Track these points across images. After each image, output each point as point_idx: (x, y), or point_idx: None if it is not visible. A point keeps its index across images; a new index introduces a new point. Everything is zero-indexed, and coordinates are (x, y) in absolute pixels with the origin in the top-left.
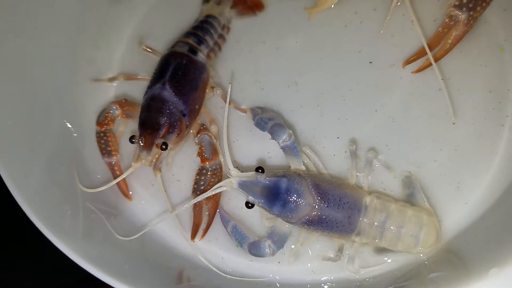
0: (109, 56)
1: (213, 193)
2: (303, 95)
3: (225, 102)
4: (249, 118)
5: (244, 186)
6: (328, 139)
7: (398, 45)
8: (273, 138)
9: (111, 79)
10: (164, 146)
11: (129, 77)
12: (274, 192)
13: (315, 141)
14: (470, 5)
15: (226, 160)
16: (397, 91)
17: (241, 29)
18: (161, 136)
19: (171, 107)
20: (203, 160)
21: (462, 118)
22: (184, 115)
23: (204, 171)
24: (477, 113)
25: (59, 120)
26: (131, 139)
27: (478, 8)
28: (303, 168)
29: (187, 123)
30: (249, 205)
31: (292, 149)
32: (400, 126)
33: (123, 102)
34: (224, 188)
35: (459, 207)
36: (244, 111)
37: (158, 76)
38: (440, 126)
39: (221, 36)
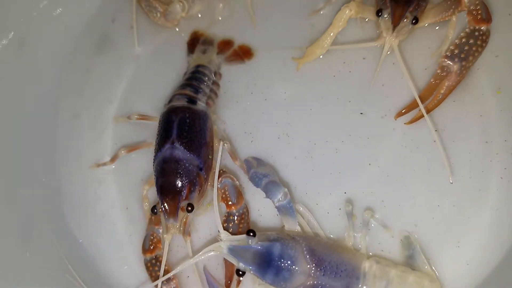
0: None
1: (200, 258)
2: (295, 147)
3: (232, 158)
4: (241, 169)
5: (234, 251)
6: (321, 195)
7: (389, 95)
8: (267, 196)
9: (113, 159)
10: (190, 208)
11: (132, 148)
12: (267, 259)
13: (308, 197)
14: (462, 56)
15: (216, 221)
16: (390, 144)
17: (228, 79)
18: (184, 198)
19: (187, 165)
20: (228, 206)
21: (459, 171)
22: (201, 169)
23: (231, 217)
24: (474, 165)
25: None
26: (153, 209)
27: (471, 58)
28: (298, 228)
29: (205, 176)
30: (239, 272)
31: (287, 209)
32: (395, 181)
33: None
34: (213, 253)
35: (461, 268)
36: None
37: (164, 136)
38: (437, 180)
39: (215, 83)
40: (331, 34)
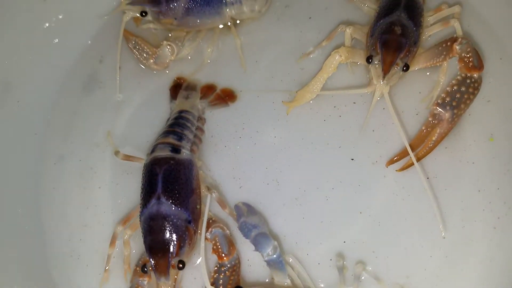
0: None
1: None
2: (284, 194)
3: (221, 206)
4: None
5: None
6: (311, 244)
7: (380, 140)
8: (256, 249)
9: (113, 242)
10: (181, 265)
11: (126, 220)
12: None
13: (298, 247)
14: (454, 103)
15: (204, 279)
16: (381, 191)
17: (216, 122)
18: (175, 255)
19: (175, 220)
20: (220, 257)
21: (452, 220)
22: (189, 222)
23: (223, 269)
24: (466, 215)
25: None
26: (143, 268)
27: (462, 106)
28: (288, 281)
29: (194, 228)
30: None
31: (277, 263)
32: (386, 230)
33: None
34: None
35: None
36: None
37: (149, 190)
38: (429, 230)
39: (198, 128)
40: (321, 79)
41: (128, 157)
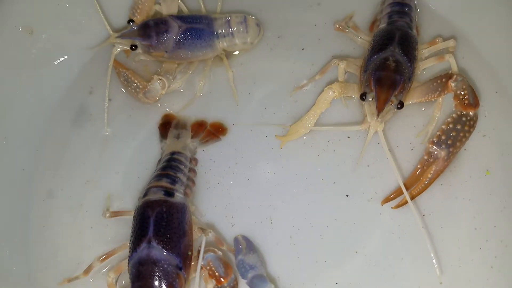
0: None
1: None
2: (278, 232)
3: (220, 247)
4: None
5: None
6: (306, 285)
7: (375, 176)
8: None
9: (87, 271)
10: None
11: (107, 255)
12: None
13: None
14: (450, 142)
15: None
16: (377, 230)
17: (209, 156)
18: None
19: (165, 266)
20: (218, 281)
21: (448, 260)
22: (180, 269)
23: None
24: (463, 254)
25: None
26: None
27: (458, 144)
28: None
29: (185, 276)
30: None
31: None
32: (383, 270)
33: None
34: None
35: None
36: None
37: (140, 234)
38: (426, 269)
39: (191, 170)
40: (315, 114)
41: (116, 214)
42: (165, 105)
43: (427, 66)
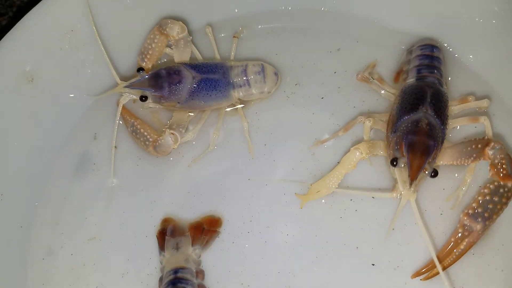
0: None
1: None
2: None
3: None
4: None
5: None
6: None
7: (402, 243)
8: None
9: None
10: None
11: None
12: None
13: None
14: (486, 215)
15: None
16: None
17: (222, 213)
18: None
19: None
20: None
21: None
22: None
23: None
24: None
25: None
26: None
27: (494, 217)
28: None
29: None
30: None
31: None
32: None
33: None
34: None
35: None
36: None
37: None
38: None
39: (200, 286)
40: (339, 175)
41: None
42: (178, 158)
43: (458, 125)
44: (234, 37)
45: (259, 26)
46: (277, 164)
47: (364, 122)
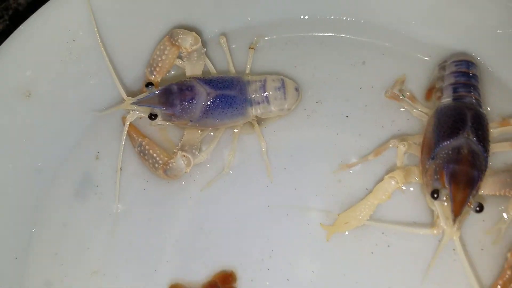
0: None
1: None
2: None
3: None
4: None
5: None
6: None
7: (441, 282)
8: None
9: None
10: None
11: None
12: None
13: None
14: None
15: None
16: None
17: (238, 246)
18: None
19: None
20: None
21: None
22: None
23: None
24: None
25: None
26: None
27: None
28: None
29: None
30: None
31: None
32: None
33: None
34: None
35: None
36: None
37: None
38: None
39: None
40: (371, 206)
41: None
42: (188, 179)
43: (497, 150)
44: (250, 48)
45: (275, 36)
46: (299, 190)
47: (397, 147)
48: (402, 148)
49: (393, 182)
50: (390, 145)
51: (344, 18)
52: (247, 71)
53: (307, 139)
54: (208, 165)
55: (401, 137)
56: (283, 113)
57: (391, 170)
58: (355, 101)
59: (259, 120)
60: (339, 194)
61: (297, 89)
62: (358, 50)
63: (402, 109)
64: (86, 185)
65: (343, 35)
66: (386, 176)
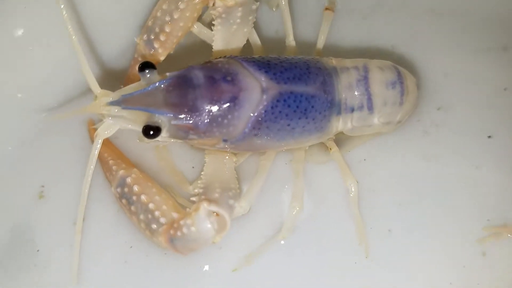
0: None
1: None
2: None
3: None
4: None
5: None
6: None
7: None
8: None
9: None
10: None
11: None
12: None
13: None
14: None
15: None
16: None
17: None
18: None
19: None
20: None
21: None
22: None
23: None
24: None
25: None
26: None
27: None
28: None
29: None
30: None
31: None
32: None
33: None
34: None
35: None
36: None
37: None
38: None
39: None
40: None
41: None
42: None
43: None
44: (326, 9)
45: None
46: (420, 269)
47: None
48: None
49: None
50: None
51: None
52: (320, 46)
53: (422, 174)
54: (246, 218)
55: None
56: (388, 129)
57: None
58: (499, 112)
59: (338, 140)
60: (482, 274)
61: (417, 87)
62: (495, 31)
63: None
64: (18, 249)
65: (469, 7)
66: None
